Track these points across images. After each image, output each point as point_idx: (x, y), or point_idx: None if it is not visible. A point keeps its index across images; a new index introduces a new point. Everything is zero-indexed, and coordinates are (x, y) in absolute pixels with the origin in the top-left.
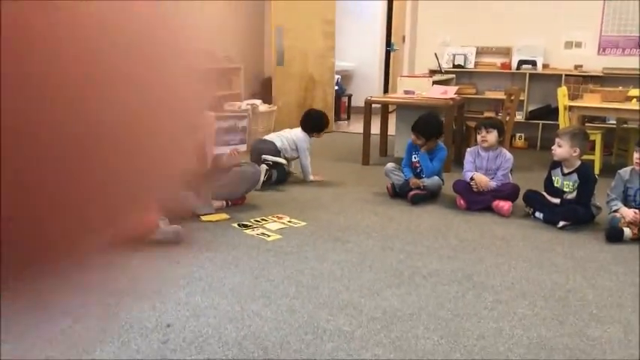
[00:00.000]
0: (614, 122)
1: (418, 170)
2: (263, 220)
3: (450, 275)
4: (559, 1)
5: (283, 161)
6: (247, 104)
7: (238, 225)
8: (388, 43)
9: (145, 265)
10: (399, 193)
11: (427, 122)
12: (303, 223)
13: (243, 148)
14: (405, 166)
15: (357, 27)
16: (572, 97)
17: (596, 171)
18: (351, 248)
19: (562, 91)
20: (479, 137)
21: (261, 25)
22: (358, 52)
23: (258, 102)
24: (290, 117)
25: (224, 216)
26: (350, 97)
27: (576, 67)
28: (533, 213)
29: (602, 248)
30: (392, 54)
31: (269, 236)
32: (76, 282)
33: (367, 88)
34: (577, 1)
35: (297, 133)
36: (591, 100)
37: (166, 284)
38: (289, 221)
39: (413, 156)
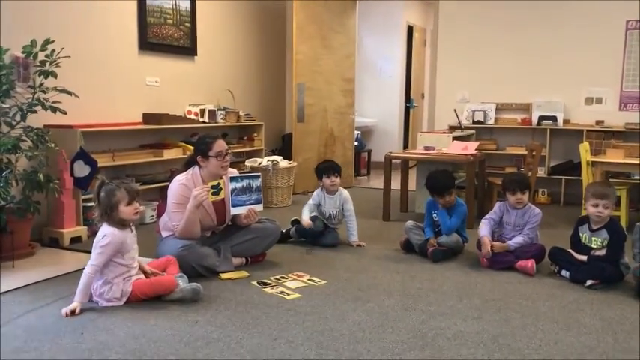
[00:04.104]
0: (639, 178)
1: (439, 229)
2: (283, 277)
3: (474, 337)
4: (578, 58)
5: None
6: (268, 160)
7: (258, 283)
8: (407, 100)
9: (163, 324)
10: (417, 251)
11: (435, 179)
12: (324, 282)
13: (259, 207)
14: (426, 226)
15: (377, 84)
16: (594, 153)
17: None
18: (372, 308)
19: (584, 147)
20: (512, 198)
21: (283, 82)
22: (379, 108)
23: (278, 158)
24: (310, 172)
25: (244, 273)
26: (370, 152)
27: (597, 122)
28: (559, 271)
29: (633, 308)
30: (411, 110)
31: (288, 295)
32: (99, 341)
33: (387, 143)
34: (596, 58)
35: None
36: (614, 156)
37: (184, 345)
38: (309, 279)
39: (433, 214)
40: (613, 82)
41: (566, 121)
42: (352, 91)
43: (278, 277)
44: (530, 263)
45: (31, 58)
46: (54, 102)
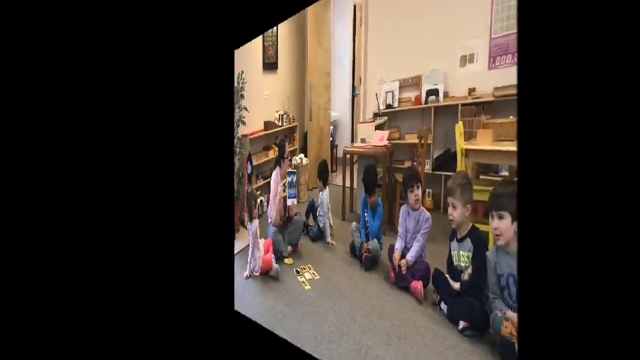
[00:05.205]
0: (507, 173)
1: (368, 230)
2: (302, 269)
3: None
4: (446, 7)
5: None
6: (300, 158)
7: (295, 271)
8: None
9: (272, 296)
10: (357, 256)
11: (367, 174)
12: (318, 277)
13: (295, 201)
14: (362, 227)
15: (339, 74)
16: (467, 137)
17: (491, 245)
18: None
19: (459, 129)
20: (412, 196)
21: (302, 83)
22: (340, 99)
23: (303, 156)
24: (311, 170)
25: (291, 260)
26: (336, 147)
27: (470, 91)
28: (439, 302)
29: None
30: (355, 98)
31: (306, 285)
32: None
33: (346, 137)
34: (462, 2)
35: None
36: (483, 140)
37: (271, 316)
38: (313, 273)
39: (365, 214)
40: (483, 30)
41: (445, 95)
42: (329, 85)
43: (302, 266)
44: (419, 287)
45: (239, 85)
46: (242, 117)
